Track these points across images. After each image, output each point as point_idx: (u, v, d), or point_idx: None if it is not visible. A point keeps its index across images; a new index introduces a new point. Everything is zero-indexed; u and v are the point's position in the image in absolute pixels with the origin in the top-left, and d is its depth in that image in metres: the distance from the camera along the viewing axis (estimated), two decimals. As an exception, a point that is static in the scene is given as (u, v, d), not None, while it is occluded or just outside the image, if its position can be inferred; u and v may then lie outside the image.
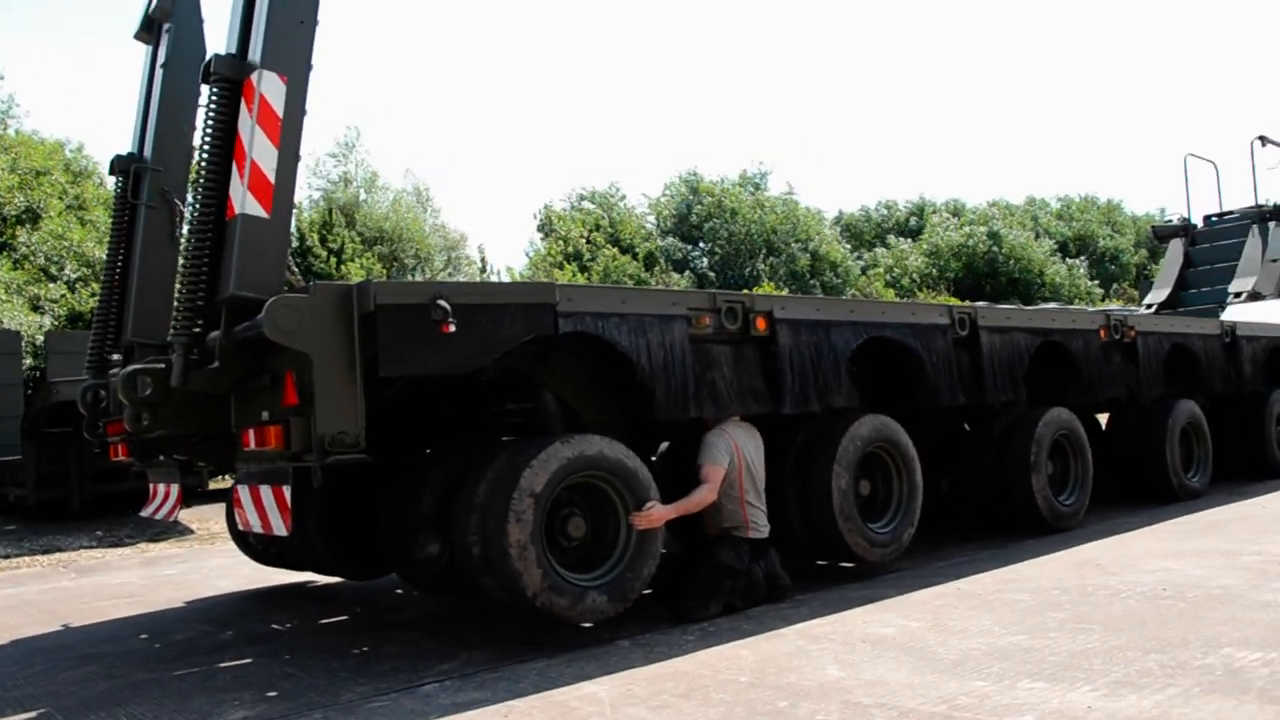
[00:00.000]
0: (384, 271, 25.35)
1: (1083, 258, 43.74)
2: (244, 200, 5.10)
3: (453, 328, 4.81)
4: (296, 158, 5.33)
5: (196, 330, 5.25)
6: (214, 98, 5.37)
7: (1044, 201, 49.47)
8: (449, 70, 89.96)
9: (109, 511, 13.94)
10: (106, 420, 6.22)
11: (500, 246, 69.28)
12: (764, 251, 36.88)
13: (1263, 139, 14.35)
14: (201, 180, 5.34)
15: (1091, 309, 31.54)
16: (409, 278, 25.79)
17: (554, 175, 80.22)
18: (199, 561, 9.80)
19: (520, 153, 79.09)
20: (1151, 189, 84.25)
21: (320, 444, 4.64)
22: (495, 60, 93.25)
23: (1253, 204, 13.98)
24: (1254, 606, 4.96)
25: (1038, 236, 41.78)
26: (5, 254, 20.24)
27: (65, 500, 14.01)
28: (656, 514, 5.48)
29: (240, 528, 5.90)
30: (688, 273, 35.22)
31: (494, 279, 34.54)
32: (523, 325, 5.15)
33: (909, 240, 42.29)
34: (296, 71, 5.31)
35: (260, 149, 5.14)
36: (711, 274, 35.94)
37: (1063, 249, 43.33)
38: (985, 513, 7.94)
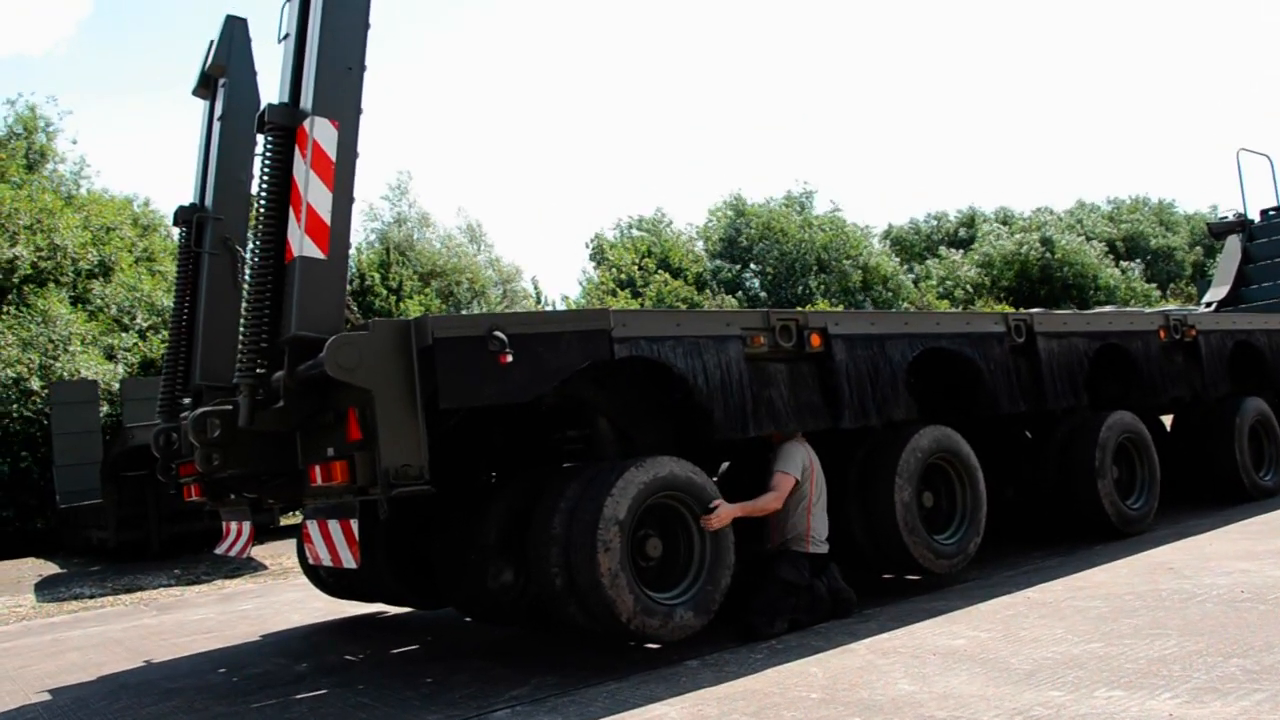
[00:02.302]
0: (442, 307, 25.71)
1: (1137, 260, 42.97)
2: (302, 243, 5.24)
3: (510, 358, 4.89)
4: (350, 199, 5.47)
5: (261, 371, 5.39)
6: (269, 145, 5.53)
7: (1094, 205, 48.70)
8: (495, 108, 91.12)
9: (185, 550, 14.31)
10: (179, 462, 6.39)
11: (553, 277, 70.00)
12: (814, 269, 36.76)
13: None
14: (260, 226, 5.50)
15: (1149, 310, 31.02)
16: (465, 311, 26.11)
17: (602, 205, 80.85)
18: (272, 596, 9.98)
19: (568, 183, 79.81)
20: (1204, 186, 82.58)
21: (385, 477, 4.73)
22: (539, 95, 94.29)
23: (1313, 196, 13.65)
24: (1337, 606, 4.85)
25: (1088, 240, 41.07)
26: (80, 307, 20.87)
27: (144, 541, 14.40)
28: (724, 512, 5.54)
29: (311, 562, 6.02)
30: (740, 294, 35.27)
31: (548, 309, 34.90)
32: (579, 352, 5.22)
33: (960, 251, 41.82)
34: (347, 116, 5.46)
35: (315, 193, 5.29)
36: (763, 294, 35.92)
37: (1113, 251, 42.58)
38: (1051, 520, 7.83)
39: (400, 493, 4.78)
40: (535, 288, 33.62)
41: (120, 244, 22.95)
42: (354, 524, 5.07)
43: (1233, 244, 13.88)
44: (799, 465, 5.98)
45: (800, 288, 36.13)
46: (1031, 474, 7.76)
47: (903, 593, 6.47)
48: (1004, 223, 44.26)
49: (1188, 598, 5.38)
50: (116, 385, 19.05)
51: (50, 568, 14.89)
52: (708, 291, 34.05)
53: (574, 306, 33.38)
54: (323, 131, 5.35)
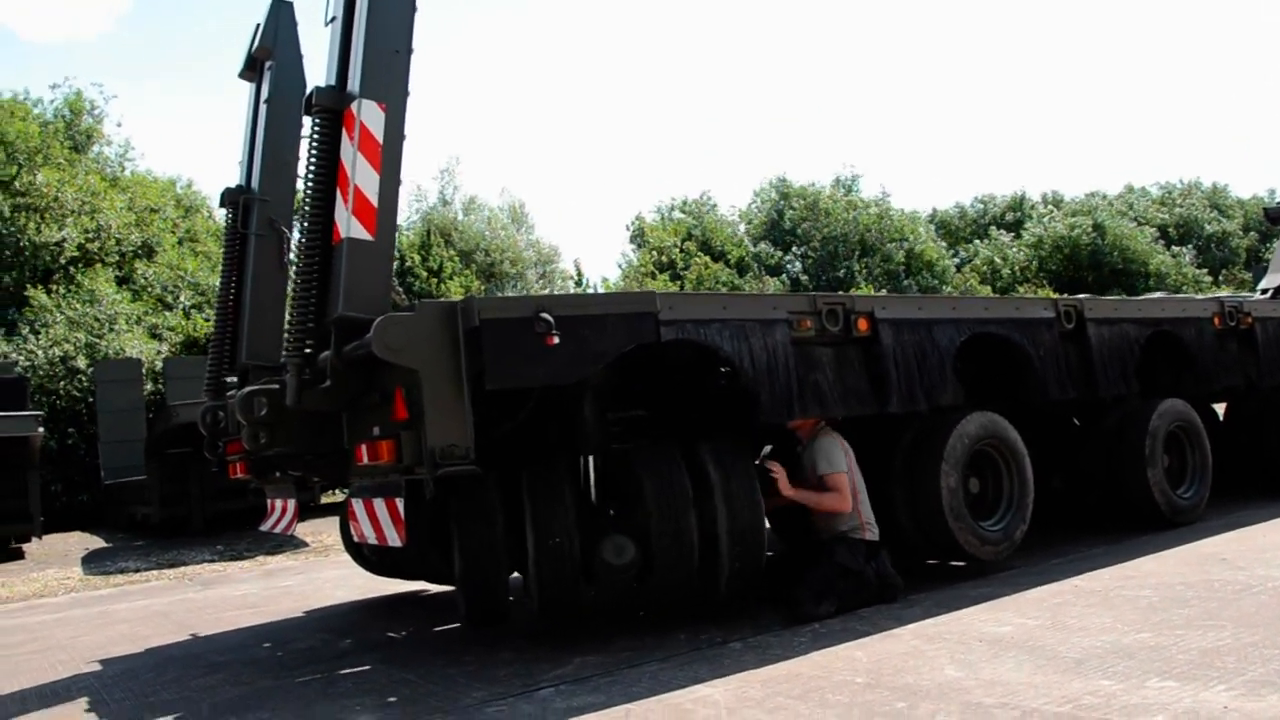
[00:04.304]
0: (483, 288, 25.84)
1: (1189, 245, 42.20)
2: (349, 225, 5.27)
3: (557, 340, 4.89)
4: (398, 181, 5.49)
5: (308, 351, 5.43)
6: (316, 128, 5.56)
7: (1144, 190, 47.88)
8: (540, 88, 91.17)
9: (228, 527, 14.51)
10: (226, 440, 6.47)
11: (594, 258, 70.13)
12: (858, 252, 36.46)
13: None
14: (307, 207, 5.53)
15: (1201, 296, 30.46)
16: (507, 293, 26.22)
17: (645, 186, 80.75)
18: (315, 573, 10.09)
19: (611, 165, 79.79)
20: (1261, 170, 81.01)
21: (431, 457, 4.74)
22: (584, 74, 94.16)
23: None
24: (1397, 600, 4.74)
25: (1139, 225, 40.38)
26: (125, 287, 21.19)
27: (187, 518, 14.63)
28: (784, 486, 5.78)
29: (355, 540, 6.06)
30: (782, 277, 35.05)
31: (589, 291, 34.92)
32: (625, 335, 5.20)
33: (1010, 233, 41.29)
34: (395, 99, 5.47)
35: (363, 175, 5.31)
36: (805, 278, 35.68)
37: (1164, 236, 41.83)
38: (1099, 509, 7.72)
39: (446, 472, 4.80)
40: (577, 269, 33.64)
41: (164, 225, 23.28)
42: (400, 503, 5.11)
43: (1288, 230, 13.59)
44: (842, 460, 5.98)
45: (843, 271, 35.88)
46: (1080, 462, 7.65)
47: (948, 579, 6.41)
48: (1055, 205, 43.62)
49: (1242, 589, 5.28)
50: (160, 364, 19.35)
51: (96, 542, 15.17)
52: (749, 275, 33.95)
53: (612, 289, 33.39)
54: (370, 114, 5.36)
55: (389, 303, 5.37)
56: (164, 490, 14.53)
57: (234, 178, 7.34)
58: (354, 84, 5.48)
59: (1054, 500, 7.55)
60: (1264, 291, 13.46)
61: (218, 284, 21.50)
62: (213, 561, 12.07)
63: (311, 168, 5.56)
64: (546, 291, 29.22)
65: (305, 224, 5.54)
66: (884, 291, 35.24)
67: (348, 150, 5.41)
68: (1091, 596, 5.48)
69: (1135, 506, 7.46)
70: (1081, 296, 7.91)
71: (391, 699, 4.86)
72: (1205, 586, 5.43)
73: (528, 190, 76.51)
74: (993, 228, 42.98)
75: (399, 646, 6.17)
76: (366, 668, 5.61)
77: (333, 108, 5.55)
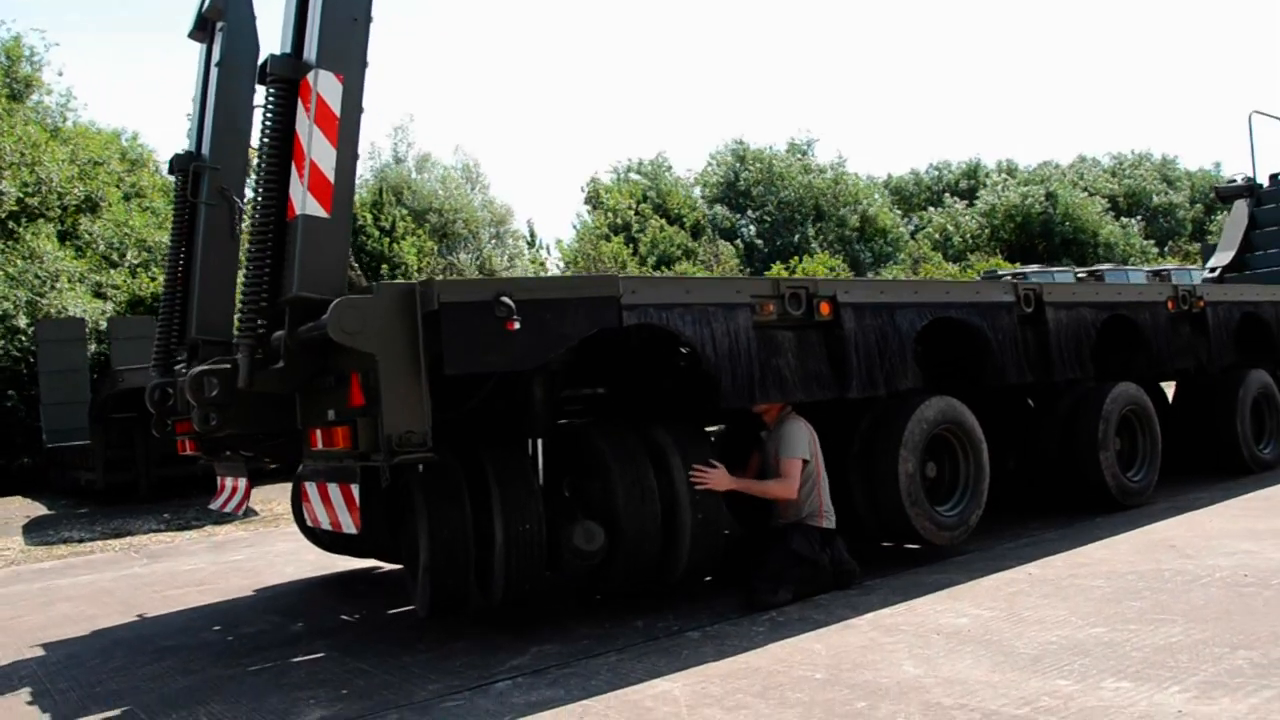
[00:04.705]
0: (434, 247, 25.51)
1: (1138, 216, 42.85)
2: (304, 201, 5.10)
3: (517, 325, 4.79)
4: (355, 156, 5.32)
5: (260, 330, 5.27)
6: (271, 98, 5.36)
7: (1095, 159, 48.47)
8: (496, 46, 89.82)
9: (175, 494, 14.27)
10: (175, 419, 6.29)
11: (548, 219, 69.67)
12: (813, 217, 36.55)
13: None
14: (261, 181, 5.35)
15: (1147, 269, 30.94)
16: (459, 254, 25.92)
17: (601, 147, 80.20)
18: (265, 546, 9.94)
19: (567, 125, 79.01)
20: (1208, 144, 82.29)
21: (388, 444, 4.64)
22: (541, 34, 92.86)
23: (1323, 161, 13.49)
24: (1343, 594, 4.83)
25: (1091, 196, 40.89)
26: (68, 243, 20.62)
27: (133, 484, 14.35)
28: (714, 478, 5.59)
29: (309, 523, 5.94)
30: (737, 242, 35.07)
31: (543, 252, 34.70)
32: (586, 319, 5.11)
33: (964, 201, 41.63)
34: (352, 70, 5.28)
35: (319, 149, 5.13)
36: (759, 241, 35.75)
37: (1114, 206, 42.46)
38: (1052, 489, 7.81)
39: (403, 459, 4.70)
40: (530, 230, 33.41)
41: (108, 179, 22.61)
42: (355, 489, 5.00)
43: (1239, 209, 13.73)
44: (805, 446, 5.95)
45: (797, 235, 35.98)
46: (1034, 444, 7.72)
47: (903, 563, 6.45)
48: (1009, 174, 44.02)
49: (1191, 580, 5.36)
50: (104, 324, 18.90)
51: (38, 508, 14.84)
52: (704, 238, 33.88)
53: (567, 250, 33.20)
54: (327, 85, 5.17)
55: (345, 283, 5.22)
56: (109, 456, 14.23)
57: (181, 131, 7.13)
58: (310, 53, 5.27)
59: (1008, 481, 7.62)
60: (1212, 270, 13.68)
61: (165, 241, 20.95)
62: (160, 531, 11.84)
63: (266, 140, 5.37)
64: (499, 252, 28.99)
65: (259, 198, 5.35)
66: (840, 259, 35.42)
67: (303, 123, 5.22)
68: (1045, 586, 5.53)
69: (1087, 488, 7.56)
70: (1040, 281, 7.95)
71: (344, 691, 4.78)
72: (1156, 576, 5.50)
73: (482, 149, 75.64)
74: (947, 195, 43.32)
75: (352, 631, 6.08)
76: (319, 655, 5.52)
77: (288, 77, 5.35)
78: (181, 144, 7.06)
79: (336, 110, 5.19)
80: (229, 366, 5.35)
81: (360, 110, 5.35)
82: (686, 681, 4.43)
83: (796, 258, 33.55)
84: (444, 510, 5.18)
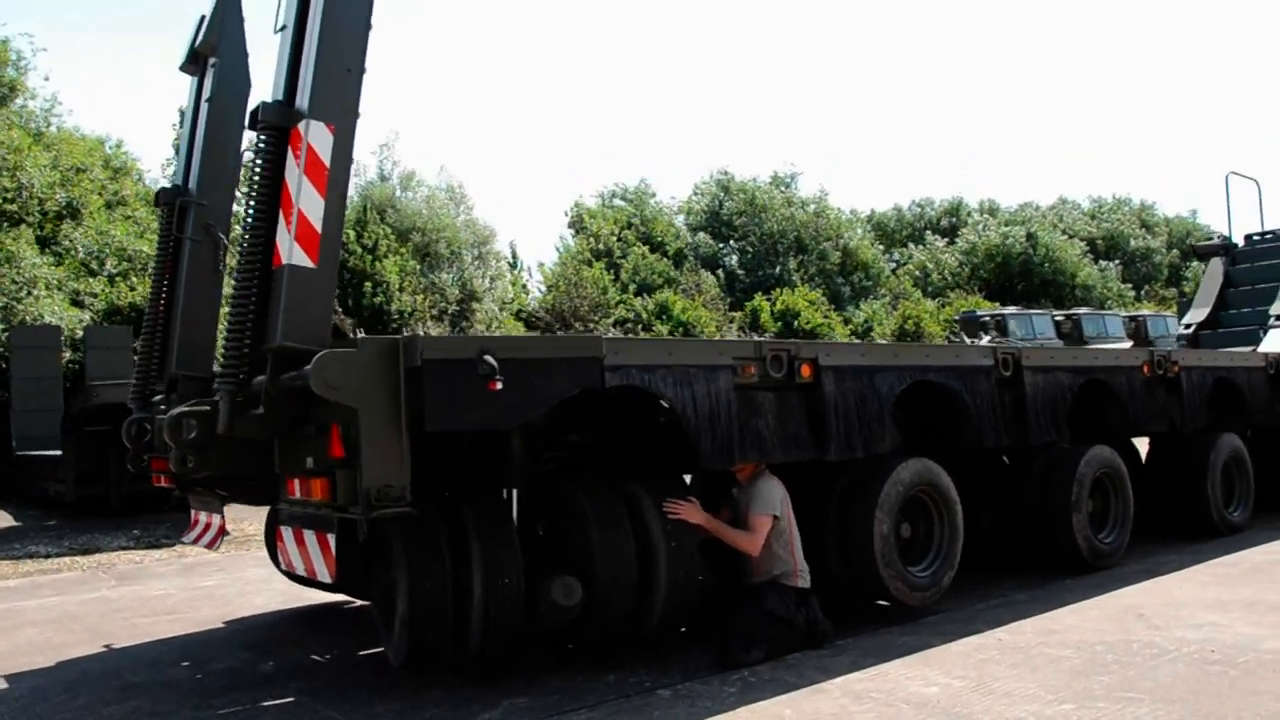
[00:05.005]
0: (416, 266, 25.45)
1: (1115, 261, 43.35)
2: (291, 250, 5.11)
3: (500, 385, 4.81)
4: (344, 206, 5.36)
5: (242, 376, 5.27)
6: (261, 145, 5.38)
7: (1075, 202, 49.06)
8: (483, 66, 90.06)
9: (146, 510, 14.11)
10: (151, 455, 6.26)
11: (531, 241, 69.81)
12: (794, 250, 36.75)
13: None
14: (248, 226, 5.36)
15: (1124, 314, 31.26)
16: (442, 274, 25.89)
17: (586, 172, 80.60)
18: (235, 571, 9.87)
19: (552, 148, 79.27)
20: (1186, 191, 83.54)
21: (366, 498, 4.64)
22: (529, 56, 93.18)
23: (1295, 224, 13.73)
24: (1306, 678, 4.89)
25: (1070, 238, 41.36)
26: (48, 250, 20.44)
27: (104, 497, 14.20)
28: (687, 509, 5.67)
29: (282, 567, 5.91)
30: (718, 271, 35.19)
31: (524, 275, 34.71)
32: (569, 379, 5.15)
33: (944, 239, 42.00)
34: (343, 120, 5.31)
35: (307, 199, 5.15)
36: (741, 272, 35.90)
37: (1092, 249, 43.00)
38: (1024, 549, 7.87)
39: (381, 514, 4.70)
40: (513, 252, 33.42)
41: (90, 185, 22.41)
42: (331, 540, 4.99)
43: (1215, 266, 13.96)
44: (775, 504, 5.99)
45: (779, 268, 36.15)
46: (1008, 503, 7.78)
47: (875, 622, 6.46)
48: (990, 214, 44.47)
49: (1159, 654, 5.41)
50: (80, 332, 18.73)
51: (4, 518, 14.66)
52: (686, 267, 34.00)
53: (549, 274, 33.21)
54: (318, 136, 5.20)
55: (329, 333, 5.22)
56: (80, 468, 14.10)
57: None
58: (303, 101, 5.31)
59: (982, 538, 7.68)
60: (1187, 326, 13.88)
61: (146, 250, 20.68)
62: (129, 549, 11.75)
63: (254, 186, 5.38)
64: (481, 273, 28.94)
65: (245, 243, 5.36)
66: (819, 291, 35.62)
67: (293, 172, 5.24)
68: (1015, 654, 5.57)
69: (1059, 549, 7.63)
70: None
71: (314, 743, 4.77)
72: (1124, 649, 5.55)
73: (466, 169, 75.70)
74: (928, 232, 43.67)
75: (323, 673, 6.05)
76: (289, 699, 5.49)
77: (279, 125, 5.37)
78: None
79: (327, 161, 5.21)
80: (208, 409, 5.34)
81: (350, 161, 5.38)
82: (656, 748, 4.44)
83: (778, 290, 33.69)
84: (424, 562, 5.17)
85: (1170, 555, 8.19)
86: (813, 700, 4.98)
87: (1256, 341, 12.25)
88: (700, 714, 4.85)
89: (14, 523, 14.26)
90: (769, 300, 32.90)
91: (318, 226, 5.17)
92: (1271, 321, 12.58)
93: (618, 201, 38.06)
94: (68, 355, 18.18)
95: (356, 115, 5.40)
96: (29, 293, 18.89)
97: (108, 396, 12.64)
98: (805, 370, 6.07)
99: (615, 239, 34.28)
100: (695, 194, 40.07)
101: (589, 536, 5.47)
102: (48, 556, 11.33)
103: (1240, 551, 8.29)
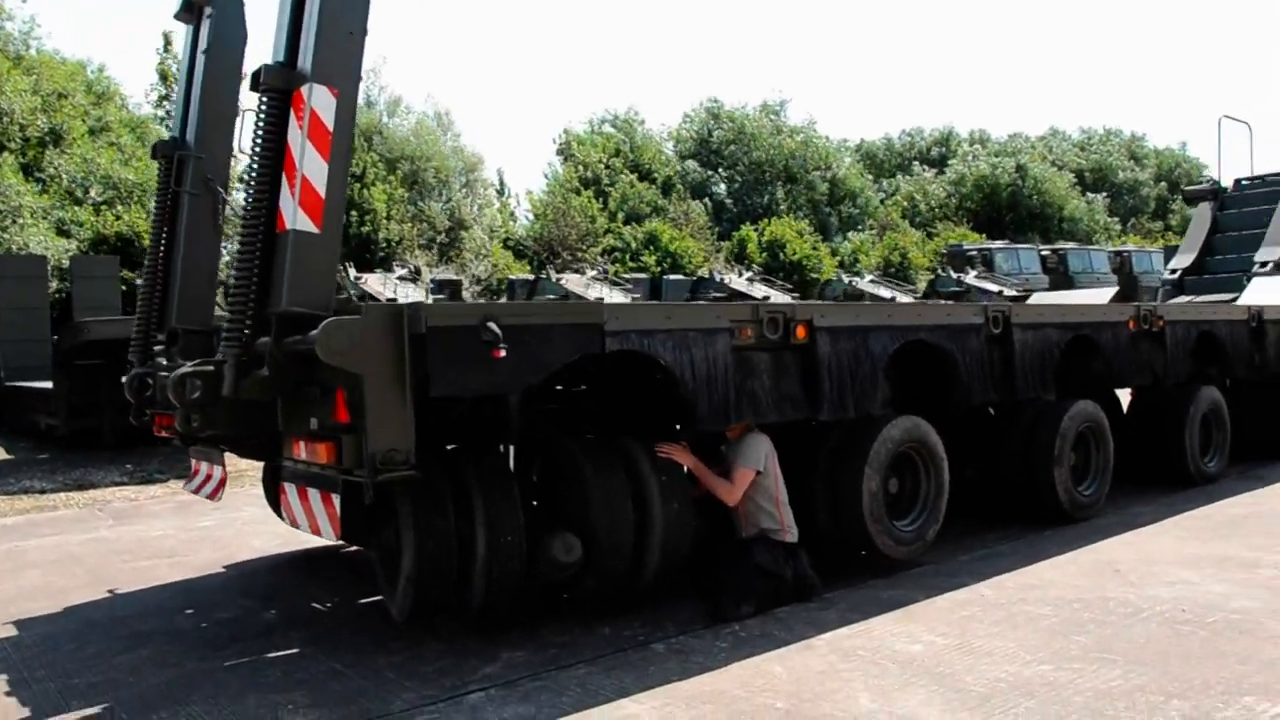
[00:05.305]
0: (404, 194, 25.31)
1: (1103, 193, 43.34)
2: (295, 216, 5.14)
3: (504, 353, 4.90)
4: (347, 171, 5.37)
5: (246, 338, 5.33)
6: (263, 107, 5.36)
7: (1065, 133, 48.87)
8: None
9: (139, 443, 14.17)
10: (155, 411, 6.34)
11: (519, 168, 69.07)
12: (783, 179, 36.60)
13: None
14: (251, 189, 5.37)
15: (1110, 248, 31.40)
16: (431, 202, 25.75)
17: (574, 98, 79.42)
18: (231, 511, 10.01)
19: (541, 75, 78.04)
20: (1176, 122, 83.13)
21: (372, 462, 4.76)
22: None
23: (1286, 169, 13.79)
24: (1273, 640, 5.11)
25: (1060, 170, 41.29)
26: (31, 178, 20.24)
27: (97, 431, 14.25)
28: (679, 452, 5.91)
29: (286, 523, 6.04)
30: (706, 200, 35.07)
31: (512, 202, 34.57)
32: (570, 345, 5.24)
33: (933, 170, 41.86)
34: (346, 84, 5.30)
35: (311, 164, 5.17)
36: (729, 201, 35.80)
37: (1081, 181, 42.96)
38: (1006, 500, 8.08)
39: (387, 478, 4.82)
40: (500, 179, 33.26)
41: (73, 111, 22.14)
42: (336, 500, 5.10)
43: (1203, 211, 14.05)
44: (760, 459, 6.15)
45: (767, 197, 36.05)
46: (992, 456, 7.97)
47: (859, 575, 6.65)
48: (980, 144, 44.27)
49: (1133, 613, 5.63)
50: (66, 262, 18.64)
51: (-3, 450, 14.75)
52: (674, 195, 33.86)
53: (537, 202, 33.05)
54: (321, 100, 5.19)
55: (333, 298, 5.28)
56: (71, 402, 14.14)
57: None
58: (305, 64, 5.28)
59: (967, 489, 7.87)
60: (1173, 271, 14.02)
61: (132, 177, 20.49)
62: (123, 484, 11.89)
63: (257, 149, 5.38)
64: (469, 200, 28.80)
65: (248, 206, 5.37)
66: (806, 221, 35.58)
67: (296, 136, 5.24)
68: (996, 611, 5.78)
69: (1041, 501, 7.84)
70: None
71: (322, 695, 4.93)
72: (1100, 607, 5.77)
73: (454, 95, 74.57)
74: (916, 162, 43.50)
75: (324, 622, 6.24)
76: (294, 650, 5.67)
77: (281, 87, 5.35)
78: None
79: (330, 125, 5.22)
80: (212, 369, 5.41)
81: (353, 124, 5.38)
82: (653, 704, 4.63)
83: (765, 219, 33.63)
84: (429, 520, 5.31)
85: (1147, 507, 8.42)
86: (803, 656, 5.18)
87: (1241, 289, 12.42)
88: (693, 669, 5.05)
89: (6, 455, 14.34)
90: (756, 230, 32.87)
91: (321, 192, 5.19)
92: (1256, 269, 12.74)
93: (607, 128, 37.71)
94: (54, 285, 18.14)
95: (359, 79, 5.40)
96: (14, 221, 18.77)
97: (99, 332, 12.66)
98: (800, 331, 6.18)
99: (604, 167, 34.07)
100: (685, 121, 39.68)
101: (588, 495, 5.62)
102: (42, 492, 11.46)
103: (1215, 503, 8.52)
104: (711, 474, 6.19)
